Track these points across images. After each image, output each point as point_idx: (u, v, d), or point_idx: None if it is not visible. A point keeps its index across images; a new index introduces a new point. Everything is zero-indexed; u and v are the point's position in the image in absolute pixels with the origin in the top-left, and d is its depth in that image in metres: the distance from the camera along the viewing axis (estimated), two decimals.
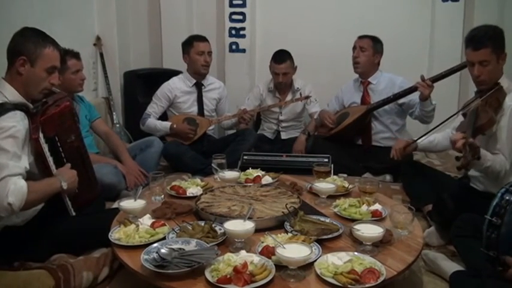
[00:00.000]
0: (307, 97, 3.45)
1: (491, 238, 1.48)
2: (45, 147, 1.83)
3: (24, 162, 1.69)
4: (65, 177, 1.83)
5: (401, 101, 3.09)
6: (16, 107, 1.73)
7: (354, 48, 3.21)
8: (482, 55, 2.02)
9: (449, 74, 2.91)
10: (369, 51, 3.16)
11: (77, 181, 1.91)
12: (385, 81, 3.20)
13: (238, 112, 3.38)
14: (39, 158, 1.81)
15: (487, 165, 1.90)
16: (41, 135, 1.80)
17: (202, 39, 3.37)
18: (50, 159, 1.86)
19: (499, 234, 1.46)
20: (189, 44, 3.34)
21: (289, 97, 3.54)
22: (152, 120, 3.35)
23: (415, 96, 3.01)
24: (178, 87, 3.39)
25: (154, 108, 3.38)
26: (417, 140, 2.50)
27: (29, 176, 1.72)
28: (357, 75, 3.28)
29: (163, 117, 3.45)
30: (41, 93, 1.85)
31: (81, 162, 2.09)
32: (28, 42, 1.79)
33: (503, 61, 2.06)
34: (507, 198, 1.48)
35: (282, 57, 3.42)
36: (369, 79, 3.23)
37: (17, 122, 1.68)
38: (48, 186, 1.77)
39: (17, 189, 1.60)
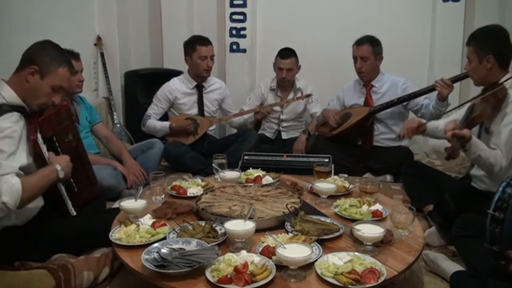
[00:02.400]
0: (308, 95, 3.45)
1: (495, 232, 1.47)
2: (44, 148, 1.83)
3: (20, 159, 1.67)
4: (62, 163, 1.82)
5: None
6: (13, 108, 1.72)
7: (355, 58, 3.14)
8: (469, 52, 2.14)
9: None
10: (370, 59, 3.11)
11: (70, 166, 1.89)
12: (388, 83, 3.18)
13: (255, 108, 3.44)
14: (38, 159, 1.80)
15: (478, 153, 1.93)
16: (39, 135, 1.79)
17: (206, 42, 3.30)
18: None
19: (502, 229, 1.46)
20: (192, 47, 3.28)
21: (290, 96, 3.54)
22: (152, 121, 3.34)
23: (419, 99, 3.00)
24: (179, 88, 3.37)
25: (154, 110, 3.37)
26: (426, 123, 2.48)
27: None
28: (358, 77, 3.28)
29: (164, 118, 3.44)
30: (38, 105, 1.83)
31: (80, 161, 2.08)
32: (46, 54, 1.80)
33: (488, 63, 2.07)
34: (509, 192, 1.48)
35: (287, 53, 3.43)
36: (372, 82, 3.21)
37: (13, 123, 1.67)
38: (43, 178, 1.75)
39: (10, 187, 1.59)
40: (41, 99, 1.82)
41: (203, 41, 3.30)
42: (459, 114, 2.29)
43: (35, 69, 1.77)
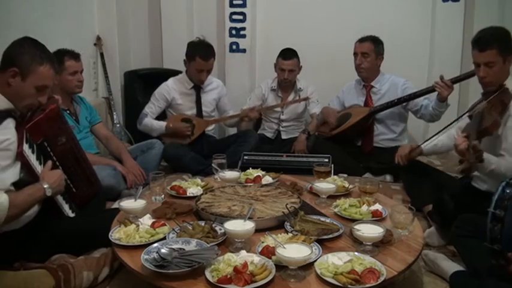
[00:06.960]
0: (305, 99, 3.46)
1: (495, 231, 1.48)
2: (32, 159, 1.76)
3: (14, 174, 1.65)
4: (50, 181, 1.77)
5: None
6: (9, 114, 1.67)
7: (355, 54, 3.15)
8: (488, 56, 2.02)
9: (469, 76, 2.74)
10: (371, 56, 3.11)
11: (63, 180, 1.86)
12: (388, 84, 3.18)
13: (242, 111, 3.41)
14: (26, 169, 1.75)
15: (491, 168, 1.88)
16: (25, 146, 1.73)
17: (207, 56, 3.21)
18: (39, 168, 1.81)
19: (503, 226, 1.46)
20: (193, 55, 3.22)
21: (291, 97, 3.55)
22: (149, 119, 3.34)
23: (419, 99, 3.00)
24: (176, 88, 3.36)
25: (151, 108, 3.36)
26: (421, 144, 2.48)
27: (25, 185, 1.70)
28: (358, 77, 3.28)
29: (161, 117, 3.43)
30: (25, 107, 1.77)
31: (76, 162, 2.06)
32: (25, 54, 1.70)
33: (509, 63, 2.04)
34: (508, 191, 1.49)
35: (289, 54, 3.43)
36: (372, 83, 3.20)
37: (11, 134, 1.64)
38: (29, 197, 1.69)
39: None
40: (26, 101, 1.75)
41: (205, 53, 3.21)
42: (461, 122, 2.27)
43: (15, 71, 1.68)
